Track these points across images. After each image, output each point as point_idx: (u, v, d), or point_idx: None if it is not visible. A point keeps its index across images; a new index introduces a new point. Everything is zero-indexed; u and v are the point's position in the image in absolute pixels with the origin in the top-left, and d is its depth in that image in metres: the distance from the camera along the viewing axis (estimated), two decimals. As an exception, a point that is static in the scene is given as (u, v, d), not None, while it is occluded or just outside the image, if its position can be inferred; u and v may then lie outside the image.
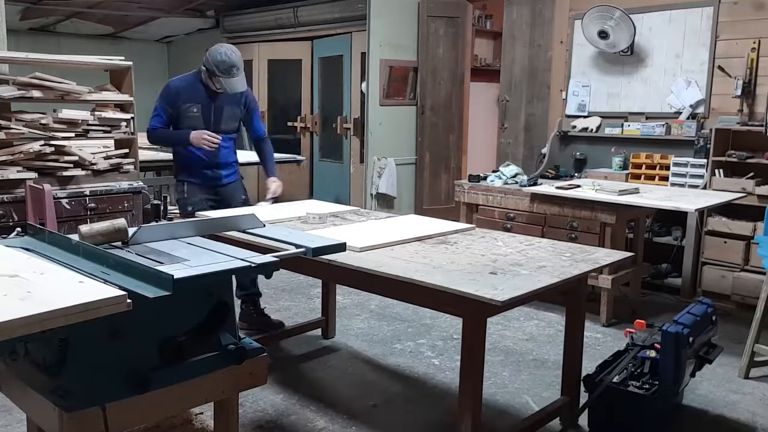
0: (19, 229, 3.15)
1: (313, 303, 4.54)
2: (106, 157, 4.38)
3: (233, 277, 1.88)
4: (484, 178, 4.80)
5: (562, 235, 4.13)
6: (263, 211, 3.35)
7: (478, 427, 2.31)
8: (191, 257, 1.89)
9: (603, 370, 2.86)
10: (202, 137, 3.57)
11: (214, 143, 3.58)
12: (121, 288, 1.53)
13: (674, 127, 5.02)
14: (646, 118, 5.22)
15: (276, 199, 3.80)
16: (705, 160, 4.71)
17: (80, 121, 4.16)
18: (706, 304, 3.04)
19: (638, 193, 4.07)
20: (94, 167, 4.28)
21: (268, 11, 7.65)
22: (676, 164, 4.86)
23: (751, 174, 4.49)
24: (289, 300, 4.68)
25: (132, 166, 4.48)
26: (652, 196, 4.04)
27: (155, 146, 3.93)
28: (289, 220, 3.24)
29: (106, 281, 1.60)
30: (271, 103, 8.10)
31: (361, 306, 4.52)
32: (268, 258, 1.88)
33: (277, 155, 6.31)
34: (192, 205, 3.72)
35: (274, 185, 3.81)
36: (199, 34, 8.85)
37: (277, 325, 3.88)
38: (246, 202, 3.89)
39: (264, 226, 2.40)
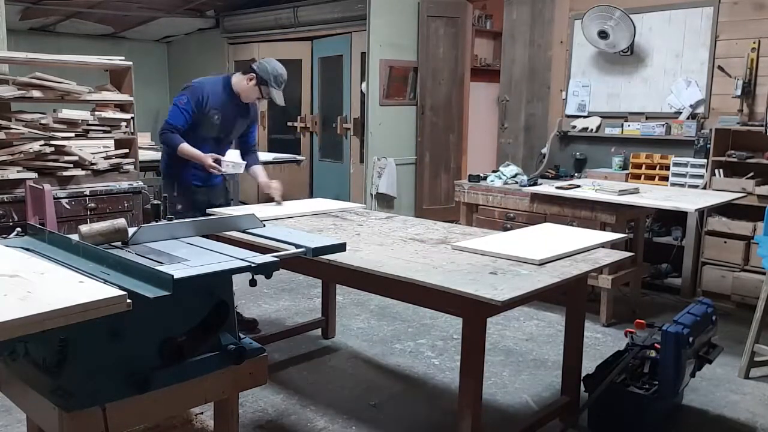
0: (19, 229, 3.15)
1: (313, 303, 4.54)
2: (106, 157, 4.39)
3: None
4: (484, 178, 4.80)
5: (562, 235, 4.13)
6: (298, 207, 3.57)
7: (478, 427, 2.31)
8: (191, 257, 1.89)
9: (603, 370, 2.86)
10: (211, 165, 3.54)
11: (218, 172, 3.60)
12: (121, 288, 1.53)
13: (674, 127, 5.02)
14: (646, 118, 5.22)
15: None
16: (705, 160, 4.71)
17: (80, 121, 4.17)
18: (706, 304, 3.04)
19: (638, 193, 4.07)
20: (94, 167, 4.28)
21: (268, 11, 7.65)
22: (676, 164, 4.86)
23: (751, 174, 4.49)
24: (289, 300, 4.68)
25: (132, 166, 4.48)
26: (652, 196, 4.04)
27: (161, 144, 3.76)
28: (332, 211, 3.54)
29: (106, 281, 1.60)
30: (271, 103, 8.09)
31: (361, 306, 4.52)
32: (268, 258, 1.87)
33: (277, 155, 6.35)
34: (181, 204, 3.70)
35: (277, 187, 3.70)
36: (199, 34, 8.85)
37: (249, 322, 3.90)
38: (228, 203, 3.88)
39: (264, 226, 2.40)
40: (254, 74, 3.61)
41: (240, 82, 3.66)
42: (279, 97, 3.70)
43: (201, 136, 3.63)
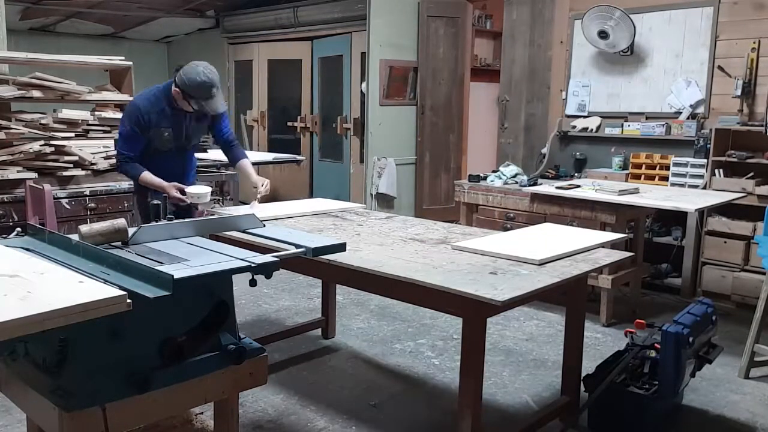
0: (19, 229, 3.15)
1: (313, 303, 4.54)
2: (106, 157, 4.39)
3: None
4: (484, 178, 4.80)
5: (562, 235, 4.13)
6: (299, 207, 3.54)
7: (478, 427, 2.31)
8: (191, 257, 1.89)
9: (603, 370, 2.86)
10: (174, 195, 3.24)
11: (182, 203, 3.28)
12: (121, 288, 1.53)
13: (674, 127, 5.02)
14: (646, 118, 5.22)
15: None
16: (705, 160, 4.71)
17: (80, 121, 4.17)
18: (706, 304, 3.04)
19: (638, 193, 4.07)
20: (94, 167, 4.29)
21: (268, 11, 7.65)
22: (676, 164, 4.86)
23: (751, 174, 4.49)
24: (289, 300, 4.68)
25: (132, 166, 4.47)
26: (652, 196, 4.04)
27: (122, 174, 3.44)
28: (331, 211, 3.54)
29: (106, 281, 1.60)
30: (271, 103, 8.10)
31: (361, 306, 4.52)
32: (268, 258, 1.87)
33: (277, 155, 6.34)
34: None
35: (265, 189, 3.47)
36: (199, 34, 8.85)
37: None
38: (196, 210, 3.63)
39: (264, 225, 2.40)
40: (178, 89, 3.21)
41: (175, 94, 3.25)
42: (212, 106, 3.25)
43: (159, 152, 3.37)
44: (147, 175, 3.31)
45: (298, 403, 3.09)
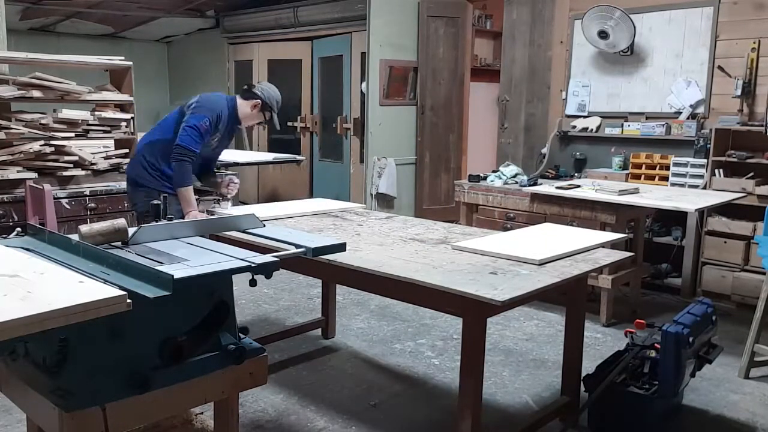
0: (19, 229, 3.15)
1: (313, 303, 4.54)
2: (106, 157, 4.39)
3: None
4: (484, 178, 4.80)
5: (562, 235, 4.13)
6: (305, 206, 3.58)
7: (477, 427, 2.31)
8: (191, 257, 1.88)
9: (603, 370, 2.86)
10: (192, 215, 3.25)
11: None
12: (121, 288, 1.53)
13: (674, 127, 5.02)
14: (646, 118, 5.22)
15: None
16: (705, 160, 4.72)
17: (80, 121, 4.17)
18: (706, 304, 3.04)
19: (638, 193, 4.07)
20: (94, 167, 4.29)
21: (268, 11, 7.65)
22: (676, 164, 4.86)
23: (751, 174, 4.49)
24: (289, 300, 4.68)
25: (132, 166, 4.47)
26: (652, 196, 4.04)
27: (174, 165, 3.27)
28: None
29: (106, 281, 1.60)
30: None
31: (361, 306, 4.52)
32: (268, 258, 1.87)
33: (277, 155, 6.35)
34: (173, 215, 3.44)
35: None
36: (199, 34, 8.85)
37: None
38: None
39: (264, 225, 2.40)
40: (259, 100, 3.46)
41: (243, 107, 3.48)
42: (277, 121, 3.64)
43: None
44: (192, 190, 3.32)
45: (298, 403, 3.09)
